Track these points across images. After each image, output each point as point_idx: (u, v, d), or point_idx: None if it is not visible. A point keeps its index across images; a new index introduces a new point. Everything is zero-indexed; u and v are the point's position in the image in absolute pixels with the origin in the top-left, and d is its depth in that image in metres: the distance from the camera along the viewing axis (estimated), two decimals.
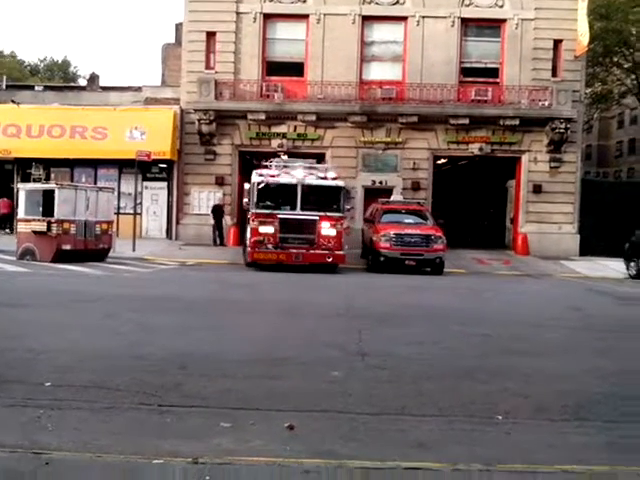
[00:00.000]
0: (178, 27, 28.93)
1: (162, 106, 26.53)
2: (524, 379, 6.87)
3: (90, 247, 19.56)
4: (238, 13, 26.39)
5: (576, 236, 26.46)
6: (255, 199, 18.81)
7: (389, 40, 26.92)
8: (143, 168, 24.91)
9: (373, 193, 25.44)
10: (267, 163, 20.45)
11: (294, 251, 18.63)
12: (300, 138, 26.33)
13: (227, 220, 25.92)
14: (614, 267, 22.35)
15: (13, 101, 26.70)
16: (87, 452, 4.33)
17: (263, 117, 25.78)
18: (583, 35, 25.36)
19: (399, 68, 26.71)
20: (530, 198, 26.59)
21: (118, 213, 24.75)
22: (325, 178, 19.28)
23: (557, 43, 26.29)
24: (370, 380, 6.57)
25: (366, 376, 6.74)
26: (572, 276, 21.03)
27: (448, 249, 20.38)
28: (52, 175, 25.98)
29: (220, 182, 26.43)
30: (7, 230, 26.19)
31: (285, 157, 26.03)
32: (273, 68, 26.78)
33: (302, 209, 18.76)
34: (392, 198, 23.70)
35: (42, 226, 18.62)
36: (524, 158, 26.63)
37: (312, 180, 19.02)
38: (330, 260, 18.70)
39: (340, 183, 19.38)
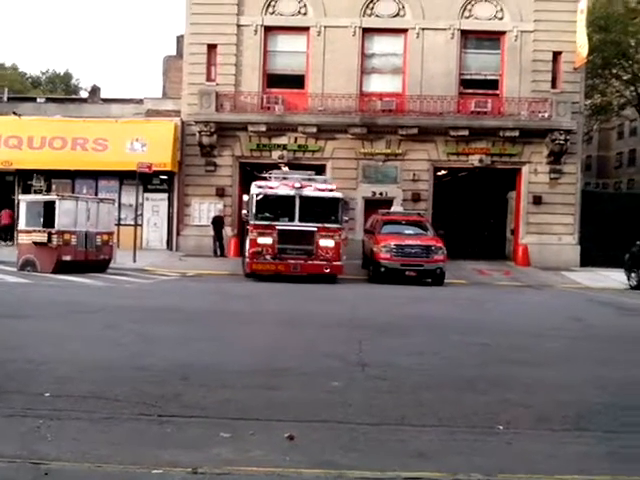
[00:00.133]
0: (179, 39, 29.11)
1: (163, 118, 26.62)
2: (525, 389, 6.85)
3: (91, 258, 19.58)
4: (239, 25, 26.55)
5: (576, 247, 26.46)
6: (254, 210, 18.97)
7: (389, 52, 27.06)
8: (144, 180, 24.95)
9: (373, 204, 25.49)
10: (266, 175, 20.58)
11: (292, 262, 18.74)
12: (300, 150, 26.42)
13: (227, 231, 25.95)
14: (614, 278, 22.35)
15: (15, 113, 26.80)
16: (86, 462, 4.32)
17: (264, 129, 25.87)
18: (582, 47, 25.47)
19: (399, 80, 26.83)
20: (530, 209, 26.62)
21: (119, 224, 24.81)
22: (323, 190, 19.41)
23: (556, 55, 26.41)
24: (370, 390, 6.56)
25: (366, 386, 6.73)
26: (573, 287, 21.01)
27: (448, 260, 20.39)
28: (53, 186, 26.04)
29: (221, 193, 26.48)
30: (8, 241, 26.22)
31: (286, 169, 26.17)
32: (274, 80, 26.90)
33: (300, 220, 18.88)
34: (392, 209, 23.78)
35: (43, 237, 18.65)
36: (524, 169, 26.68)
37: (310, 191, 19.16)
38: (328, 271, 18.81)
39: (338, 194, 19.49)
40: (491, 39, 27.20)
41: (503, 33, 26.67)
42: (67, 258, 18.81)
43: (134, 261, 21.70)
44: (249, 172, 27.30)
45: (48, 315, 11.12)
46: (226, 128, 26.01)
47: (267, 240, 18.75)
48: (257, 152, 26.60)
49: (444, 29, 26.40)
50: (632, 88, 39.95)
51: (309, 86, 26.49)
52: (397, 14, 26.65)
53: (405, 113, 26.03)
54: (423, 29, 26.44)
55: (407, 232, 20.68)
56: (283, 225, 18.91)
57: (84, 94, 50.53)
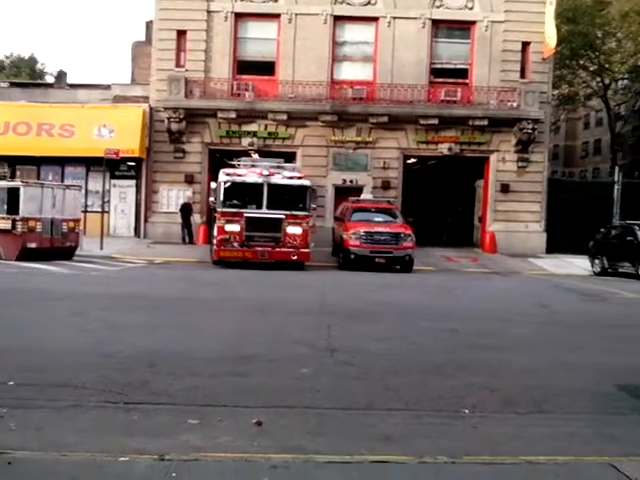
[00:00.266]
0: (148, 25, 28.68)
1: (131, 104, 26.25)
2: (491, 373, 6.95)
3: (57, 245, 19.29)
4: (209, 12, 26.25)
5: (543, 234, 26.86)
6: (221, 198, 18.97)
7: (360, 40, 27.02)
8: (111, 166, 24.64)
9: (343, 192, 25.52)
10: (234, 162, 20.51)
11: (260, 249, 18.81)
12: (271, 137, 26.30)
13: (196, 218, 25.77)
14: (579, 264, 22.78)
15: None
16: (51, 451, 4.27)
17: (233, 115, 25.68)
18: (550, 38, 25.74)
19: (370, 68, 26.82)
20: (498, 197, 26.92)
21: (85, 211, 24.46)
22: (291, 177, 19.47)
23: (525, 45, 26.64)
24: (339, 376, 6.59)
25: (335, 372, 6.76)
26: (539, 273, 21.36)
27: (417, 247, 20.54)
28: (18, 173, 25.54)
29: (189, 180, 26.27)
30: None
31: (256, 156, 26.06)
32: (244, 67, 26.69)
33: (268, 208, 18.92)
34: (362, 197, 23.86)
35: (7, 224, 18.34)
36: (492, 158, 26.94)
37: (278, 179, 19.19)
38: (295, 258, 18.91)
39: (306, 182, 19.55)
40: (461, 29, 27.31)
41: (473, 23, 26.80)
42: (32, 245, 18.51)
43: (101, 248, 21.44)
44: (218, 159, 27.13)
45: (12, 302, 10.91)
46: (195, 114, 25.76)
47: (235, 227, 18.79)
48: (227, 139, 26.41)
49: (415, 18, 26.42)
50: (598, 79, 40.62)
51: (280, 73, 26.33)
52: (368, 2, 26.59)
53: (376, 101, 26.05)
54: (394, 18, 26.42)
55: (377, 219, 20.78)
56: (251, 213, 18.94)
57: (50, 79, 49.52)
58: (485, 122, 25.91)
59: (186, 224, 25.29)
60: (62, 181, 24.68)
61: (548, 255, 25.81)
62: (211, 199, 20.12)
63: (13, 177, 24.25)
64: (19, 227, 18.26)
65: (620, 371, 7.23)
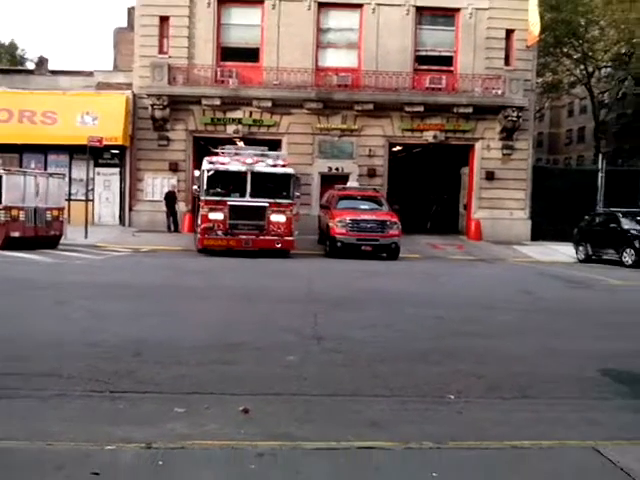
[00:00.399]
0: (130, 11, 28.32)
1: (114, 91, 25.99)
2: (476, 360, 7.01)
3: (41, 234, 19.12)
4: None
5: (528, 221, 27.03)
6: (205, 186, 18.91)
7: (345, 27, 26.88)
8: (95, 154, 24.41)
9: (329, 180, 25.49)
10: (218, 150, 20.43)
11: (244, 237, 18.80)
12: (256, 124, 26.16)
13: (181, 207, 25.63)
14: (564, 251, 22.95)
15: None
16: (37, 440, 4.25)
17: (218, 103, 25.51)
18: (534, 25, 25.77)
19: (355, 55, 26.72)
20: (483, 185, 27.01)
21: (69, 200, 24.24)
22: (275, 165, 19.42)
23: (509, 33, 26.65)
24: (325, 363, 6.62)
25: (321, 360, 6.78)
26: (524, 260, 21.49)
27: (403, 234, 20.58)
28: (0, 161, 25.22)
29: (174, 168, 26.09)
30: None
31: (241, 143, 25.94)
32: (228, 53, 26.48)
33: (252, 196, 18.90)
34: (348, 184, 23.82)
35: None
36: (477, 145, 27.01)
37: (261, 167, 19.15)
38: (279, 246, 18.91)
39: (289, 170, 19.51)
40: (446, 16, 27.25)
41: (458, 10, 26.75)
42: (16, 234, 18.33)
43: (85, 237, 21.29)
44: (203, 147, 26.97)
45: None
46: (179, 102, 25.56)
47: (218, 216, 18.75)
48: (211, 126, 26.25)
49: (399, 5, 26.31)
50: (582, 67, 40.78)
51: (264, 60, 26.16)
52: None
53: (361, 88, 25.97)
54: (379, 4, 26.30)
55: (363, 207, 20.77)
56: (234, 201, 18.91)
57: (31, 65, 48.82)
58: (470, 110, 25.95)
59: (171, 212, 25.16)
60: (45, 169, 24.40)
61: (533, 242, 25.98)
62: (194, 187, 20.11)
63: None
64: (2, 216, 18.04)
65: (604, 357, 7.31)
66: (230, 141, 25.36)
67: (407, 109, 25.90)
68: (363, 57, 26.41)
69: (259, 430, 4.62)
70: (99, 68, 27.91)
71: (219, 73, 25.83)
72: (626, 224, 20.29)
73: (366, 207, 20.84)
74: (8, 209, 18.18)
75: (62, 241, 19.98)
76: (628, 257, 19.60)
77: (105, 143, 23.01)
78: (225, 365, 6.46)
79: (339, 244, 19.46)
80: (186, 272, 15.15)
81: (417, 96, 25.84)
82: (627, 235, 19.82)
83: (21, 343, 7.03)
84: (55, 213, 19.71)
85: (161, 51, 26.00)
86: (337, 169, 26.43)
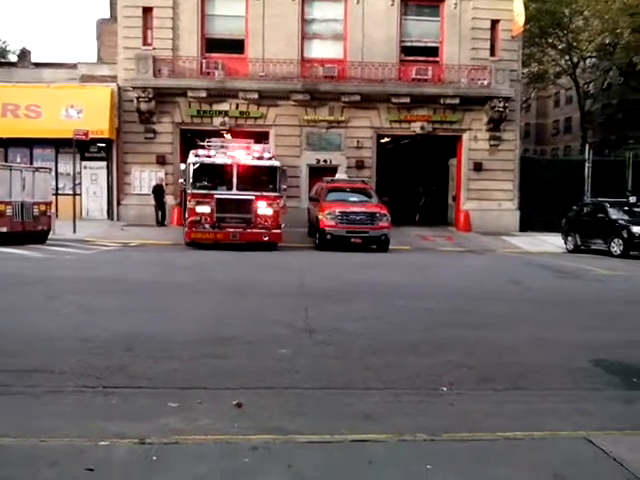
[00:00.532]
0: (113, 2, 28.01)
1: (99, 84, 25.77)
2: (468, 351, 7.04)
3: (28, 229, 18.99)
4: None
5: (516, 212, 27.16)
6: (191, 179, 18.88)
7: (330, 18, 26.79)
8: (81, 147, 24.23)
9: (318, 172, 25.45)
10: (204, 143, 20.40)
11: (231, 230, 18.79)
12: (242, 116, 26.06)
13: (170, 200, 25.51)
14: (552, 242, 23.10)
15: None
16: (30, 437, 4.23)
17: (204, 95, 25.37)
18: (519, 16, 25.81)
19: (340, 46, 26.65)
20: (471, 176, 27.09)
21: (57, 194, 24.16)
22: (261, 158, 19.38)
23: (495, 23, 26.69)
24: (317, 356, 6.63)
25: (313, 352, 6.79)
26: (513, 251, 21.61)
27: (393, 226, 20.63)
28: None
29: (161, 161, 25.95)
30: None
31: (228, 136, 25.83)
32: (213, 45, 26.32)
33: (238, 189, 18.88)
34: (337, 177, 23.80)
35: None
36: (465, 136, 27.06)
37: (248, 160, 19.15)
38: (267, 239, 18.91)
39: (276, 163, 19.50)
40: (431, 6, 27.24)
41: (443, 0, 26.72)
42: (3, 230, 18.18)
43: (74, 231, 21.17)
44: (190, 139, 26.84)
45: None
46: (165, 94, 25.39)
47: (205, 209, 18.73)
48: (198, 118, 26.11)
49: None
50: (567, 57, 40.91)
51: (249, 51, 26.03)
52: None
53: (347, 80, 25.92)
54: None
55: (352, 199, 20.77)
56: (221, 194, 18.90)
57: (13, 58, 48.23)
58: (457, 100, 25.98)
59: (160, 206, 25.04)
60: (31, 163, 24.22)
61: (521, 233, 26.14)
62: (180, 180, 20.15)
63: None
64: None
65: (595, 347, 7.36)
66: (217, 133, 25.25)
67: (394, 100, 25.89)
68: (349, 48, 26.36)
69: (252, 424, 4.63)
70: (83, 60, 27.66)
71: (204, 65, 25.70)
72: (614, 214, 20.44)
73: (355, 199, 20.85)
74: None
75: (50, 236, 19.86)
76: (616, 247, 19.76)
77: (91, 136, 22.88)
78: (217, 359, 6.45)
79: (329, 236, 19.47)
80: (176, 266, 15.09)
81: (403, 87, 25.85)
82: (615, 225, 19.98)
83: (12, 339, 6.99)
84: (42, 208, 19.58)
85: (145, 43, 25.80)
86: (325, 161, 26.40)
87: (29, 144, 25.48)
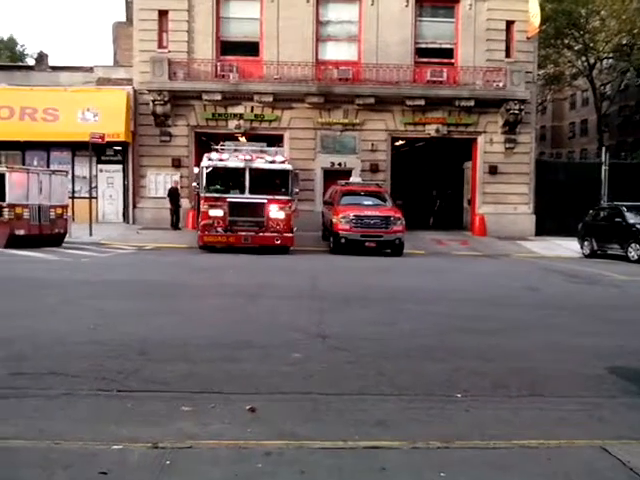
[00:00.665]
0: (129, 5, 28.24)
1: (115, 87, 25.96)
2: (482, 357, 6.99)
3: (45, 232, 19.15)
4: None
5: (532, 216, 26.97)
6: (204, 183, 19.00)
7: (344, 20, 26.80)
8: (97, 150, 24.41)
9: (332, 175, 25.45)
10: (218, 147, 20.50)
11: (243, 234, 18.87)
12: (257, 119, 26.12)
13: (185, 203, 25.62)
14: (568, 246, 22.91)
15: None
16: (45, 439, 4.26)
17: (219, 97, 25.46)
18: (535, 16, 25.67)
19: (355, 48, 26.65)
20: (486, 179, 26.95)
21: (73, 197, 24.35)
22: (273, 161, 19.44)
23: (510, 24, 26.56)
24: (331, 361, 6.60)
25: (327, 357, 6.77)
26: (528, 256, 21.45)
27: (407, 230, 20.57)
28: (2, 158, 25.25)
29: (177, 164, 26.08)
30: None
31: (243, 139, 25.91)
32: (228, 47, 26.43)
33: (251, 192, 18.98)
34: (351, 180, 23.78)
35: None
36: (480, 139, 26.94)
37: (260, 164, 19.21)
38: (279, 242, 18.96)
39: (288, 166, 19.54)
40: (446, 7, 27.17)
41: (457, 1, 26.66)
42: (20, 232, 18.36)
43: (90, 234, 21.33)
44: (205, 142, 26.93)
45: (2, 291, 10.86)
46: (180, 97, 25.52)
47: (218, 212, 18.86)
48: (213, 121, 26.22)
49: None
50: (583, 58, 40.58)
51: (264, 54, 26.10)
52: None
53: (361, 82, 25.91)
54: None
55: (366, 203, 20.74)
56: (233, 197, 18.99)
57: (30, 61, 48.73)
58: (472, 103, 25.87)
59: (174, 209, 25.15)
60: (48, 166, 24.46)
61: (537, 237, 25.94)
62: (194, 184, 20.26)
63: None
64: (6, 214, 18.11)
65: (611, 354, 7.28)
66: (232, 136, 25.33)
67: (408, 103, 25.84)
68: (363, 50, 26.35)
69: (266, 429, 4.63)
70: (99, 63, 27.90)
71: (219, 67, 25.81)
72: (631, 218, 20.13)
73: (370, 203, 20.82)
74: (12, 207, 18.23)
75: (67, 239, 20.03)
76: (634, 252, 19.50)
77: (107, 140, 23.08)
78: (231, 363, 6.46)
79: (343, 240, 19.45)
80: (191, 270, 15.15)
81: (418, 89, 25.79)
82: (632, 229, 19.69)
83: (27, 342, 7.03)
84: (59, 211, 19.74)
85: (160, 46, 25.96)
86: (340, 164, 26.39)
87: (46, 147, 25.73)
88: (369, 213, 19.82)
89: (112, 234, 22.38)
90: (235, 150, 20.06)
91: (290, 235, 19.21)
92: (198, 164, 22.87)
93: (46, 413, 4.89)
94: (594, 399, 5.64)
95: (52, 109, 25.05)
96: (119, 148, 26.03)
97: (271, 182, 19.23)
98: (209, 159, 19.39)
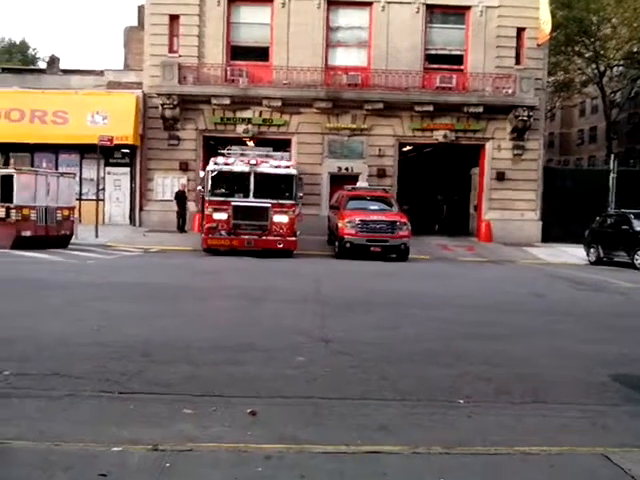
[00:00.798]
0: (140, 9, 28.39)
1: (125, 90, 26.09)
2: (486, 363, 6.96)
3: (51, 233, 19.23)
4: None
5: (538, 223, 26.89)
6: (209, 187, 19.18)
7: (354, 26, 26.85)
8: (105, 153, 24.52)
9: (339, 180, 25.46)
10: (224, 151, 20.64)
11: (246, 237, 19.03)
12: (265, 124, 26.17)
13: (191, 206, 25.68)
14: (575, 253, 22.81)
15: None
16: (45, 441, 4.26)
17: (228, 102, 25.54)
18: (545, 23, 25.64)
19: (364, 54, 26.68)
20: (493, 185, 26.90)
21: (80, 199, 24.46)
22: (278, 166, 19.59)
23: (520, 31, 26.53)
24: (334, 365, 6.59)
25: (330, 361, 6.76)
26: (534, 262, 21.38)
27: (413, 235, 20.53)
28: (11, 160, 25.40)
29: (184, 168, 26.16)
30: None
31: (251, 143, 25.97)
32: (238, 52, 26.52)
33: (255, 196, 19.15)
34: (358, 185, 23.78)
35: (0, 212, 18.24)
36: (488, 145, 26.89)
37: (265, 168, 19.36)
38: (281, 246, 19.08)
39: (292, 171, 19.66)
40: (456, 14, 27.16)
41: (468, 8, 26.65)
42: (27, 233, 18.44)
43: (96, 236, 21.40)
44: (213, 146, 27.02)
45: (7, 292, 10.89)
46: (189, 101, 25.61)
47: (222, 216, 19.03)
48: (221, 126, 26.29)
49: (409, 3, 26.27)
50: (594, 66, 40.47)
51: (274, 59, 26.18)
52: None
53: (370, 87, 25.93)
54: (388, 2, 26.26)
55: (372, 208, 20.73)
56: (238, 201, 19.17)
57: (42, 65, 49.07)
58: (480, 109, 25.84)
59: (181, 212, 25.22)
60: (56, 168, 24.57)
61: (543, 244, 25.85)
62: (199, 188, 20.41)
63: (6, 164, 24.14)
64: (13, 215, 18.20)
65: (615, 361, 7.24)
66: (240, 141, 25.40)
67: (417, 108, 25.83)
68: (373, 56, 26.38)
69: (267, 433, 4.62)
70: (110, 67, 28.05)
71: (229, 72, 25.89)
72: (638, 226, 20.04)
73: (376, 208, 20.80)
74: (19, 208, 18.32)
75: (73, 240, 20.11)
76: None
77: (115, 142, 23.17)
78: (234, 366, 6.46)
79: (348, 245, 19.45)
80: (195, 272, 15.18)
81: (427, 95, 25.78)
82: (639, 237, 19.63)
83: (32, 343, 7.04)
84: (66, 212, 19.83)
85: (171, 50, 26.09)
86: (347, 169, 26.40)
87: (55, 149, 25.88)
88: (375, 218, 19.81)
89: (118, 236, 22.46)
90: (241, 154, 20.20)
91: (293, 239, 19.31)
92: (205, 168, 23.00)
93: (48, 414, 4.90)
94: (597, 406, 5.60)
95: (62, 112, 25.19)
96: (127, 151, 26.14)
97: (275, 186, 19.36)
98: (215, 163, 19.57)
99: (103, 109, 25.17)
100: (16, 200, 18.30)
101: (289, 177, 19.51)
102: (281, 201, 19.23)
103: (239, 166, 19.33)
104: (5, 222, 18.20)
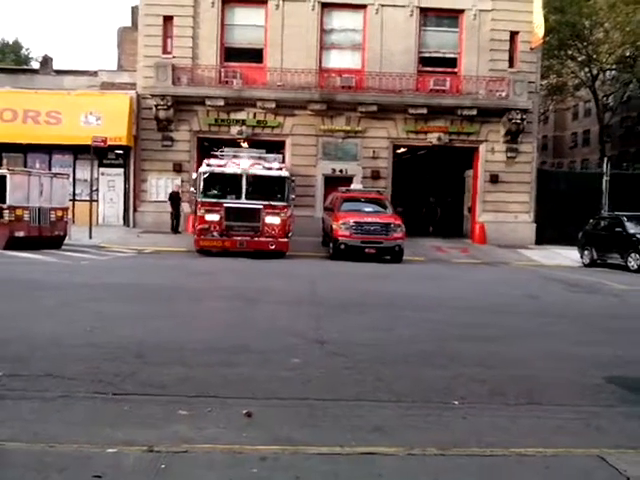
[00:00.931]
0: (134, 10, 28.34)
1: (118, 91, 26.02)
2: (480, 364, 6.97)
3: (45, 234, 19.17)
4: None
5: (532, 225, 26.98)
6: (201, 188, 19.26)
7: (348, 28, 26.88)
8: (99, 154, 24.46)
9: (333, 182, 25.48)
10: (217, 153, 20.68)
11: (239, 238, 19.12)
12: (259, 125, 26.18)
13: (185, 207, 25.64)
14: (568, 255, 22.90)
15: None
16: (39, 442, 4.25)
17: (222, 103, 25.53)
18: (538, 27, 25.75)
19: (358, 56, 26.73)
20: (487, 188, 26.98)
21: (74, 200, 24.38)
22: (270, 168, 19.65)
23: (514, 35, 26.65)
24: (328, 367, 6.59)
25: (325, 363, 6.76)
26: (528, 264, 21.44)
27: (407, 237, 20.57)
28: (4, 161, 25.19)
29: (178, 169, 26.13)
30: None
31: (245, 145, 25.96)
32: (232, 54, 26.51)
33: (247, 198, 19.25)
34: (352, 187, 23.81)
35: None
36: (481, 148, 26.97)
37: (257, 170, 19.47)
38: (273, 247, 19.15)
39: (284, 173, 19.73)
40: (450, 17, 27.24)
41: (462, 12, 26.73)
42: (20, 234, 18.38)
43: (90, 237, 21.34)
44: (207, 148, 26.99)
45: (0, 292, 10.84)
46: (183, 102, 25.58)
47: (214, 217, 19.12)
48: (215, 127, 26.27)
49: (403, 6, 26.33)
50: (586, 69, 40.66)
51: (268, 60, 26.18)
52: None
53: (364, 90, 25.97)
54: (382, 5, 26.31)
55: (366, 210, 20.76)
56: (230, 203, 19.25)
57: (35, 65, 48.87)
58: (474, 112, 25.91)
59: (175, 213, 25.19)
60: (49, 169, 24.48)
61: (537, 246, 25.94)
62: (191, 189, 20.52)
63: None
64: (6, 216, 18.14)
65: (609, 363, 7.27)
66: (234, 142, 25.38)
67: (411, 111, 25.89)
68: (367, 58, 26.42)
69: (262, 434, 4.61)
70: (104, 67, 27.97)
71: (223, 74, 25.88)
72: (631, 228, 20.17)
73: (370, 209, 20.83)
74: (12, 209, 18.26)
75: (66, 241, 20.05)
76: (633, 262, 19.53)
77: (109, 143, 23.11)
78: (228, 367, 6.44)
79: (342, 246, 19.47)
80: (189, 273, 15.15)
81: (421, 98, 25.84)
82: (632, 239, 19.73)
83: (26, 344, 7.02)
84: (59, 213, 19.78)
85: (165, 51, 26.06)
86: (341, 171, 26.43)
87: (48, 150, 25.79)
88: (369, 220, 19.84)
89: (112, 237, 22.40)
90: (234, 156, 20.27)
91: (285, 240, 19.38)
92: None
93: (42, 416, 4.88)
94: (592, 408, 5.62)
95: (55, 112, 25.11)
96: (121, 152, 26.08)
97: (268, 188, 19.44)
98: (208, 165, 19.65)
99: (97, 110, 25.10)
100: (9, 200, 18.23)
101: (281, 179, 19.58)
102: (273, 203, 19.32)
103: (231, 168, 19.44)
104: None
